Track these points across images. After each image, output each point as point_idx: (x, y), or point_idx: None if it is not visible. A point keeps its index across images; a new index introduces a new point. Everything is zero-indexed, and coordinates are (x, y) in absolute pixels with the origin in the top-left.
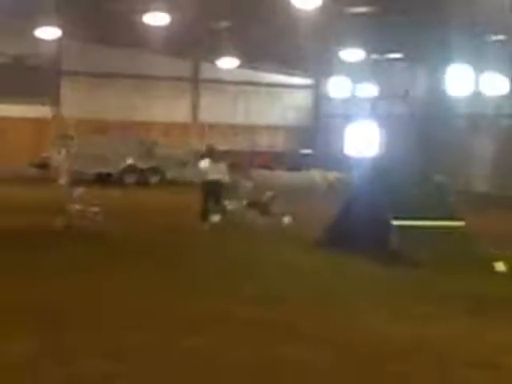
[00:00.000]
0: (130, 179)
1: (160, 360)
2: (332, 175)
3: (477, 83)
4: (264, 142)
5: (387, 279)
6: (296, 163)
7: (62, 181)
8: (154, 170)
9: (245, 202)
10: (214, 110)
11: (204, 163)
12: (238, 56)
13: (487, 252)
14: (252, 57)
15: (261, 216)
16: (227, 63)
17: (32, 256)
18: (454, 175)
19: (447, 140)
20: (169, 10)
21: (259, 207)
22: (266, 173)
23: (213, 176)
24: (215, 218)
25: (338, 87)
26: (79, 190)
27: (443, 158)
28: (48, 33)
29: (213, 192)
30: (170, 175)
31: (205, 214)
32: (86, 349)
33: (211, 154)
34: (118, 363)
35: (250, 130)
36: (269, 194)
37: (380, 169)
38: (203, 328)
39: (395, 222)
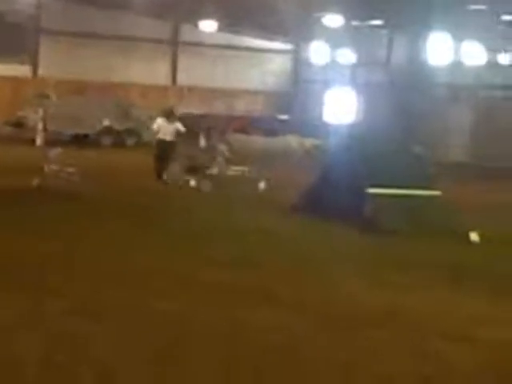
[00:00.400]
0: (106, 141)
1: (133, 321)
2: (309, 142)
3: (457, 52)
4: (242, 107)
5: (362, 246)
6: (273, 128)
7: (38, 141)
8: (131, 132)
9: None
10: (193, 73)
11: (157, 123)
12: (219, 19)
13: (462, 222)
14: (232, 20)
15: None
16: (207, 26)
17: (5, 214)
18: (432, 145)
19: (426, 109)
20: None
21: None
22: (242, 137)
23: (163, 136)
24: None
25: (317, 53)
26: (55, 151)
27: (422, 128)
28: None
29: (162, 152)
30: (146, 137)
31: (158, 173)
32: (60, 308)
33: (169, 115)
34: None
35: (229, 93)
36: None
37: (358, 136)
38: (177, 291)
39: (371, 190)
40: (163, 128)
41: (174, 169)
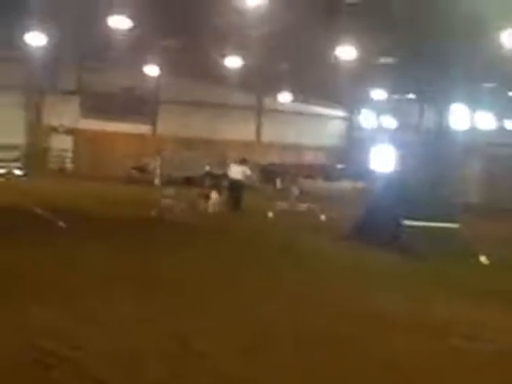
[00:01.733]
0: (207, 182)
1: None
2: (359, 185)
3: (472, 119)
4: (309, 158)
5: (395, 265)
6: (332, 175)
7: (156, 181)
8: (225, 176)
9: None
10: (273, 132)
11: (230, 167)
12: (292, 91)
13: (476, 248)
14: (303, 92)
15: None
16: (284, 97)
17: (136, 238)
18: (454, 188)
19: (449, 162)
20: (243, 55)
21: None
22: (309, 181)
23: (233, 175)
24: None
25: (366, 118)
26: (170, 189)
27: (446, 175)
28: (151, 70)
29: (232, 189)
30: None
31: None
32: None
33: (241, 162)
34: None
35: (299, 148)
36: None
37: (397, 181)
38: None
39: (407, 223)
40: (234, 169)
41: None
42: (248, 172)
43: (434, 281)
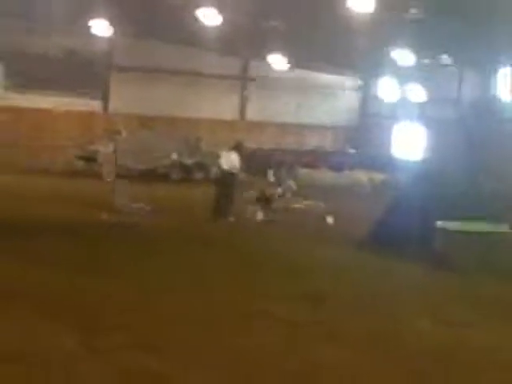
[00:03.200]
0: (174, 175)
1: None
2: (377, 176)
3: None
4: (312, 142)
5: (431, 284)
6: (341, 163)
7: (108, 175)
8: (199, 166)
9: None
10: (263, 108)
11: (223, 156)
12: (288, 55)
13: None
14: (302, 56)
15: (262, 210)
16: (277, 62)
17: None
18: (503, 180)
19: (496, 144)
20: (220, 8)
21: (262, 201)
22: (311, 172)
23: (224, 166)
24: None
25: (386, 89)
26: (124, 185)
27: (492, 162)
28: (100, 28)
29: (224, 184)
30: (214, 171)
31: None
32: None
33: (237, 148)
34: None
35: (298, 129)
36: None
37: (429, 172)
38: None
39: (441, 225)
40: (225, 157)
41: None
42: (236, 164)
43: (479, 304)
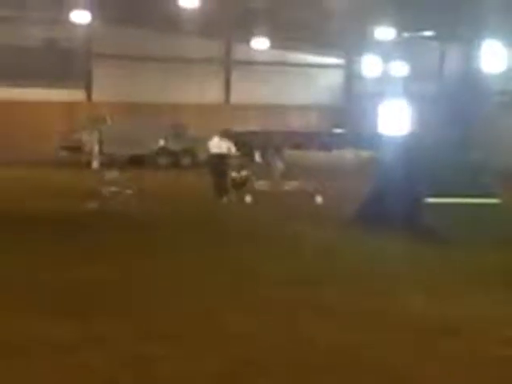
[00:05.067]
0: (162, 161)
1: None
2: (365, 154)
3: (510, 59)
4: (297, 122)
5: (423, 259)
6: (328, 143)
7: (95, 163)
8: (186, 152)
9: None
10: (247, 90)
11: (212, 141)
12: (270, 36)
13: None
14: (283, 37)
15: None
16: (259, 44)
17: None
18: (488, 153)
19: (481, 117)
20: None
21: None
22: (298, 152)
23: (216, 150)
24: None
25: (369, 66)
26: (112, 173)
27: (477, 136)
28: (79, 16)
29: (216, 166)
30: (201, 156)
31: (217, 189)
32: None
33: (225, 134)
34: None
35: (283, 110)
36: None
37: (415, 147)
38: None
39: (429, 200)
40: (217, 143)
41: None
42: (233, 150)
43: (468, 274)
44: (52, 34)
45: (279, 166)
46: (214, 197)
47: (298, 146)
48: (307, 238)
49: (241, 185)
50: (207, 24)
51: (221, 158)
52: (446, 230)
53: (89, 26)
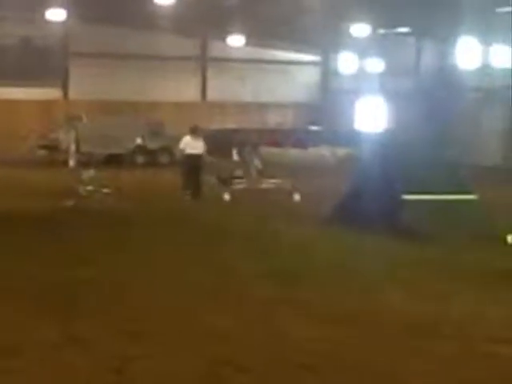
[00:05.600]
0: (139, 160)
1: None
2: (342, 151)
3: (485, 56)
4: (273, 120)
5: (401, 256)
6: (305, 140)
7: (71, 162)
8: (163, 150)
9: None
10: (223, 88)
11: (184, 140)
12: (246, 33)
13: (499, 225)
14: (260, 34)
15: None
16: (235, 41)
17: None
18: (464, 149)
19: (457, 114)
20: None
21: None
22: (274, 150)
23: (191, 150)
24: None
25: (345, 63)
26: (88, 172)
27: (454, 133)
28: (55, 14)
29: (190, 166)
30: (179, 155)
31: (191, 188)
32: None
33: (194, 131)
34: None
35: (259, 107)
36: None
37: (391, 144)
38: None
39: (406, 197)
40: (190, 143)
41: (210, 182)
42: (204, 147)
43: (448, 271)
44: (28, 33)
45: (256, 163)
46: (182, 195)
47: (274, 144)
48: (285, 235)
49: (228, 183)
50: (183, 21)
51: (196, 158)
52: (422, 226)
53: (65, 24)
